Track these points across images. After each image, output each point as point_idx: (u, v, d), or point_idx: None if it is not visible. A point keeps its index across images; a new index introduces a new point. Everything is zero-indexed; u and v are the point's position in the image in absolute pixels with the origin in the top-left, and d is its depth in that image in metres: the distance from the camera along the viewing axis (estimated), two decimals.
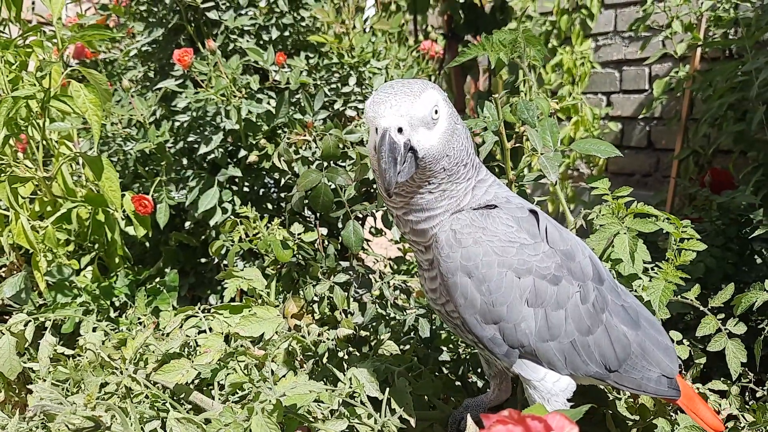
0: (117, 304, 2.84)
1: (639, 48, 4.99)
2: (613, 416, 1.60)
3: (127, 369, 1.67)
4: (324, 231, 2.85)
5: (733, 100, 3.73)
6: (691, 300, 1.68)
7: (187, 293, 3.06)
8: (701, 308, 1.67)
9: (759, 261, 2.72)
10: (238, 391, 1.76)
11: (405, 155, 1.27)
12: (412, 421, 1.54)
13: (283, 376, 1.71)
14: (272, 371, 1.53)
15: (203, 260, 3.11)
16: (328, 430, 1.35)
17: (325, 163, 2.12)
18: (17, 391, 2.95)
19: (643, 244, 1.72)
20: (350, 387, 1.53)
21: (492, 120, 1.79)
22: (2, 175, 2.27)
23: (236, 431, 1.20)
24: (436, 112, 1.30)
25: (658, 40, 4.73)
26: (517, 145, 1.83)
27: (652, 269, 1.79)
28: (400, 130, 1.27)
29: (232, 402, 1.72)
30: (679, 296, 1.69)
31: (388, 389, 1.47)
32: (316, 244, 2.34)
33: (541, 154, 1.75)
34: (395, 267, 2.77)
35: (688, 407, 1.51)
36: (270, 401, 1.26)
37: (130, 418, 1.13)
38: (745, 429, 1.61)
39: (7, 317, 3.04)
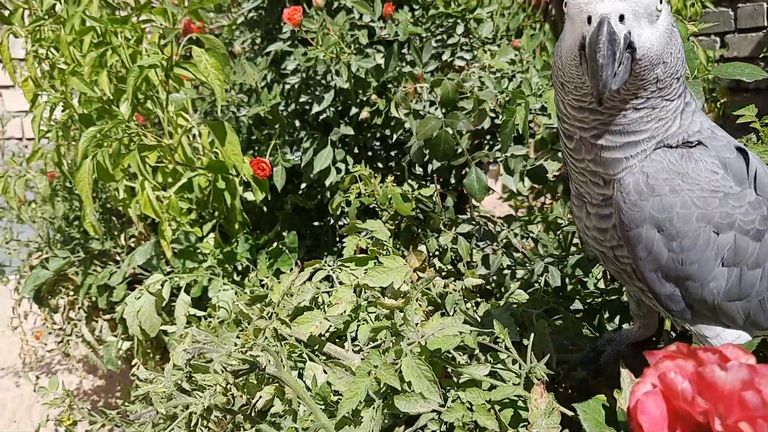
0: (239, 268, 2.93)
1: None
2: None
3: (270, 316, 1.70)
4: (438, 187, 2.82)
5: None
6: None
7: (305, 256, 3.11)
8: None
9: None
10: (372, 341, 1.76)
11: (623, 52, 1.03)
12: (554, 365, 1.49)
13: (417, 324, 1.68)
14: (411, 315, 1.51)
15: (318, 223, 3.15)
16: (473, 374, 1.31)
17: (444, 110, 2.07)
18: (153, 355, 3.12)
19: None
20: (491, 332, 1.49)
21: None
22: (132, 144, 2.35)
23: (387, 373, 1.18)
24: (661, 2, 1.05)
25: None
26: None
27: None
28: (621, 18, 1.02)
29: (366, 352, 1.73)
30: None
31: (532, 335, 1.39)
32: (434, 198, 2.31)
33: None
34: (505, 226, 2.69)
35: None
36: (418, 342, 1.24)
37: (282, 360, 1.14)
38: None
39: (137, 285, 3.21)
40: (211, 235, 3.02)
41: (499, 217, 2.90)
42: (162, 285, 2.12)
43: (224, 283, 2.72)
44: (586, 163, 1.20)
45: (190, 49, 2.45)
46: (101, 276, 3.10)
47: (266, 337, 1.72)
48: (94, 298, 3.19)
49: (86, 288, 3.16)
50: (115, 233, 3.28)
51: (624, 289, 1.61)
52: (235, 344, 1.15)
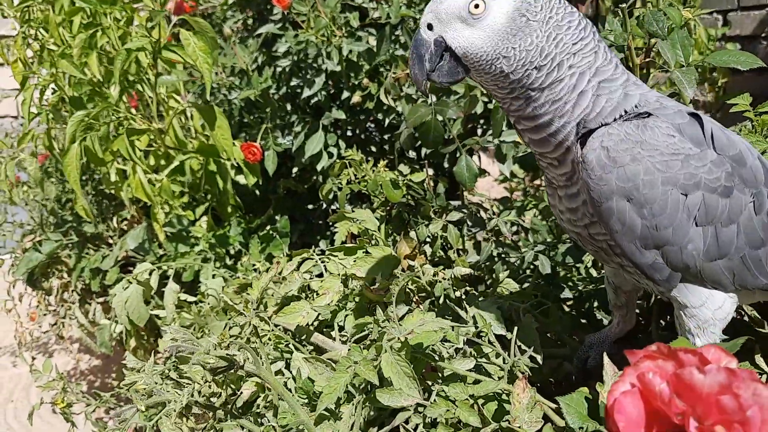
0: (232, 252, 2.92)
1: None
2: (762, 351, 1.48)
3: (250, 312, 1.69)
4: (430, 172, 2.80)
5: None
6: None
7: (298, 240, 3.10)
8: None
9: None
10: (360, 331, 1.75)
11: (436, 52, 1.22)
12: (539, 359, 1.48)
13: (403, 316, 1.68)
14: (394, 311, 1.50)
15: (311, 207, 3.13)
16: (456, 369, 1.30)
17: (433, 97, 2.04)
18: (147, 338, 3.12)
19: None
20: (475, 325, 1.48)
21: (618, 34, 1.64)
22: (120, 128, 2.33)
23: (366, 369, 1.17)
24: (477, 6, 1.18)
25: None
26: (647, 60, 1.68)
27: None
28: (429, 26, 1.22)
29: (353, 341, 1.72)
30: None
31: (516, 329, 1.38)
32: (425, 184, 2.29)
33: (674, 69, 1.59)
34: (500, 208, 2.68)
35: None
36: (398, 339, 1.23)
37: (260, 357, 1.14)
38: None
39: (131, 268, 3.21)
40: (204, 218, 3.01)
41: (495, 199, 2.89)
42: (150, 274, 2.10)
43: (216, 267, 2.72)
44: (532, 147, 1.31)
45: (183, 25, 2.41)
46: (93, 259, 3.10)
47: (253, 329, 1.72)
48: (87, 281, 3.19)
49: (79, 271, 3.16)
50: (108, 216, 3.27)
51: (604, 277, 1.61)
52: (215, 344, 1.14)
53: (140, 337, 3.02)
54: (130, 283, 2.10)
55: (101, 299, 3.30)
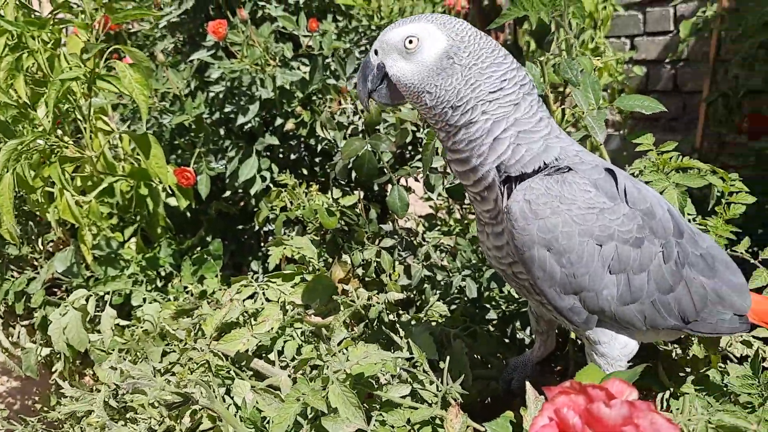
0: (162, 274, 2.91)
1: None
2: (665, 369, 1.64)
3: (191, 339, 1.74)
4: (361, 194, 2.89)
5: (765, 39, 3.65)
6: (742, 253, 1.69)
7: (229, 261, 3.12)
8: (752, 261, 1.68)
9: None
10: (296, 356, 1.83)
11: (377, 75, 1.39)
12: (469, 380, 1.60)
13: (342, 340, 1.76)
14: (334, 340, 1.58)
15: (243, 227, 3.16)
16: (393, 398, 1.40)
17: (365, 129, 2.14)
18: (73, 361, 3.07)
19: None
20: (410, 353, 1.58)
21: (537, 83, 1.78)
22: (53, 156, 2.31)
23: (315, 399, 1.25)
24: (411, 42, 1.32)
25: None
26: (562, 107, 1.83)
27: (693, 221, 1.79)
28: (376, 52, 1.38)
29: (292, 367, 1.80)
30: (729, 249, 1.70)
31: (448, 357, 1.48)
32: (357, 209, 2.39)
33: (587, 113, 1.75)
34: (426, 225, 2.79)
35: (765, 323, 1.51)
36: (344, 370, 1.32)
37: (214, 391, 1.20)
38: None
39: (56, 290, 3.14)
40: (133, 239, 2.99)
41: (420, 216, 3.01)
42: (87, 300, 2.11)
43: (147, 290, 2.71)
44: (459, 178, 1.43)
45: (114, 56, 2.41)
46: (18, 282, 3.02)
47: (192, 356, 1.76)
48: (10, 303, 3.10)
49: (2, 294, 3.07)
50: (33, 237, 3.19)
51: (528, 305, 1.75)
52: (161, 370, 1.19)
53: (66, 359, 2.96)
54: (67, 309, 2.09)
55: (26, 322, 3.21)
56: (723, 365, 1.67)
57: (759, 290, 1.64)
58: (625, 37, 5.81)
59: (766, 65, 3.64)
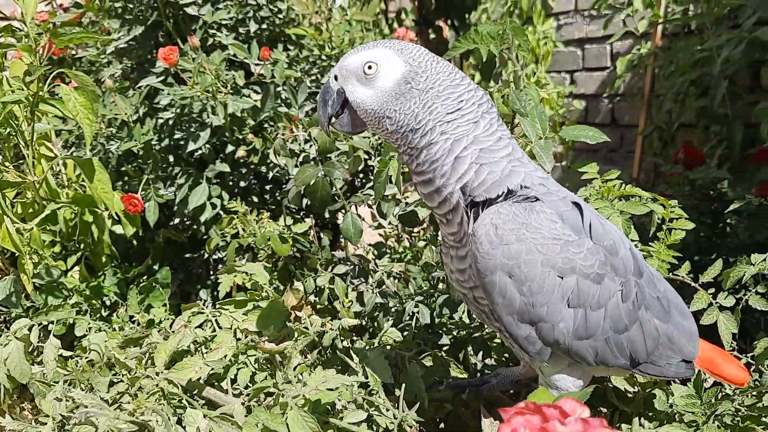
0: (107, 303, 2.84)
1: (601, 26, 5.11)
2: (614, 389, 1.70)
3: (141, 369, 1.70)
4: (312, 222, 2.90)
5: (695, 77, 3.84)
6: (683, 277, 1.76)
7: (177, 289, 3.07)
8: (692, 284, 1.75)
9: (728, 230, 2.86)
10: (249, 384, 1.81)
11: (337, 100, 1.41)
12: (425, 404, 1.61)
13: (296, 366, 1.76)
14: (289, 367, 1.58)
15: (191, 256, 3.12)
16: (350, 428, 1.40)
17: (319, 156, 2.16)
18: (10, 393, 2.94)
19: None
20: (365, 378, 1.58)
21: None
22: None
23: (275, 422, 1.24)
24: (370, 68, 1.34)
25: (619, 18, 4.85)
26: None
27: (636, 246, 1.86)
28: (336, 78, 1.40)
29: (246, 395, 1.77)
30: (670, 274, 1.77)
31: (403, 385, 1.49)
32: (309, 236, 2.39)
33: (535, 143, 1.81)
34: (376, 253, 2.81)
35: (709, 370, 1.55)
36: (302, 396, 1.31)
37: (170, 420, 1.18)
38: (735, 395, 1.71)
39: None
40: (76, 268, 2.91)
41: (370, 245, 3.03)
42: (29, 330, 2.04)
43: (92, 320, 2.64)
44: (424, 200, 1.45)
45: (57, 80, 2.37)
46: None
47: (140, 388, 1.72)
48: None
49: None
50: None
51: None
52: (108, 401, 1.16)
53: (6, 393, 2.84)
54: (9, 339, 2.01)
55: None
56: (668, 385, 1.73)
57: (700, 312, 1.71)
58: (566, 72, 6.04)
59: (697, 101, 3.83)
